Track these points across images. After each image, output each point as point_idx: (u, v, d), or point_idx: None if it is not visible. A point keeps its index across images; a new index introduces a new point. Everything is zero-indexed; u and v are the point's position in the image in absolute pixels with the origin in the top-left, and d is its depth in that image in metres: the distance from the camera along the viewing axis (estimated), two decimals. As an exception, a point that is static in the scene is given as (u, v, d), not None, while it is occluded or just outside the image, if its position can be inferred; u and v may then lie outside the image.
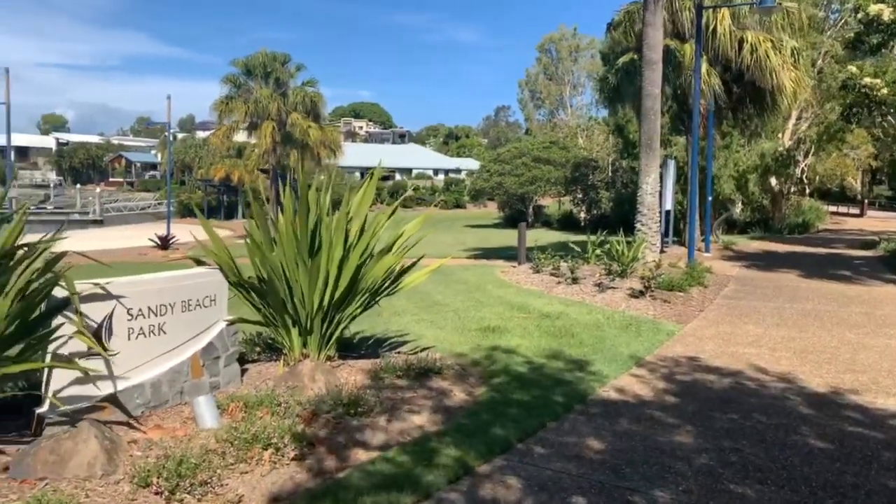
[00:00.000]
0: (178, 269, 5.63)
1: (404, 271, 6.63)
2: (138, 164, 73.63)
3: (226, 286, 5.66)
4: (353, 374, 5.99)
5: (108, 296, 4.68)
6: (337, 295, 6.02)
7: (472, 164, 64.95)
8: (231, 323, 5.66)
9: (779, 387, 6.24)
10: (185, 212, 45.19)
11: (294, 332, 6.10)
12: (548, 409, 5.42)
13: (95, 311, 4.64)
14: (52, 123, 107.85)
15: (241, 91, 31.01)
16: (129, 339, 4.85)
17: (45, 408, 4.43)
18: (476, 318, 9.22)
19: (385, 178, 62.98)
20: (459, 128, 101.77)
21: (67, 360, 4.41)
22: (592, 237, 14.22)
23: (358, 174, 59.84)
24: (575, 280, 11.74)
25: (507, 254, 18.73)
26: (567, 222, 36.26)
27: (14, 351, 4.29)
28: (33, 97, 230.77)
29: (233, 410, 4.92)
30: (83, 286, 4.53)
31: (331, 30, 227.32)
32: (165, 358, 5.11)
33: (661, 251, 14.35)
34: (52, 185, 62.27)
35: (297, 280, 5.90)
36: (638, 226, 13.86)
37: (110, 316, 4.73)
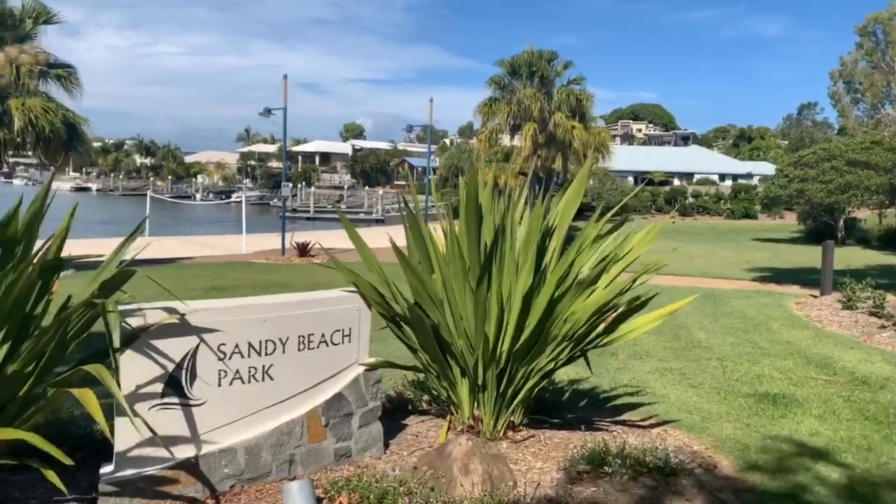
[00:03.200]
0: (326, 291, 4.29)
1: (631, 310, 4.48)
2: (419, 169, 78.67)
3: (368, 317, 4.15)
4: (538, 461, 4.07)
5: (188, 328, 3.46)
6: (522, 339, 4.16)
7: (767, 168, 57.10)
8: (372, 368, 4.15)
9: None
10: (456, 215, 46.26)
11: (463, 384, 4.39)
12: None
13: (174, 348, 3.45)
14: (351, 132, 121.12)
15: (505, 92, 30.28)
16: (218, 384, 3.58)
17: (109, 468, 3.38)
18: (750, 374, 6.60)
19: (662, 183, 58.41)
20: (753, 129, 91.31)
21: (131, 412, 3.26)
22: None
23: (631, 179, 56.31)
24: (909, 326, 8.27)
25: (806, 279, 14.89)
26: (890, 240, 29.26)
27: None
28: (339, 109, 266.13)
29: (339, 507, 3.37)
30: (156, 314, 3.35)
31: (615, 31, 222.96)
32: (271, 413, 3.75)
33: None
34: (345, 187, 69.60)
35: (462, 316, 4.18)
36: None
37: (193, 354, 3.50)
